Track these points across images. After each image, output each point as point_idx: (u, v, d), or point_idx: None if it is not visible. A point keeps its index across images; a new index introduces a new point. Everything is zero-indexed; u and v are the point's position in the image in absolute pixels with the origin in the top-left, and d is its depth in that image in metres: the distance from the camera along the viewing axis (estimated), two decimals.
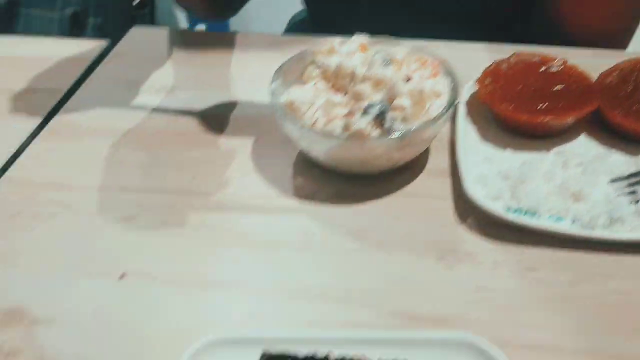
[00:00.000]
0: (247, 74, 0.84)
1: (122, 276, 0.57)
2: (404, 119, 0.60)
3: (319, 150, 0.62)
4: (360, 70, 0.62)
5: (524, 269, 0.56)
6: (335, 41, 0.66)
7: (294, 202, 0.64)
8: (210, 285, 0.56)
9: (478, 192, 0.59)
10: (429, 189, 0.64)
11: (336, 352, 0.45)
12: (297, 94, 0.63)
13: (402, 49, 0.66)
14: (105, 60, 0.87)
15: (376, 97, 0.61)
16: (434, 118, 0.61)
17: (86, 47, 0.91)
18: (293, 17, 1.23)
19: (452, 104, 0.62)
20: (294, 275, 0.57)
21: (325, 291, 0.55)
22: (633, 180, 0.61)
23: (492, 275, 0.55)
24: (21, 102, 0.80)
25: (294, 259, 0.58)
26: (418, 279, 0.56)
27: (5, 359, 0.51)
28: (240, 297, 0.55)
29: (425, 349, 0.47)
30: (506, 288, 0.54)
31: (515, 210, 0.58)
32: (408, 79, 0.62)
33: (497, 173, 0.63)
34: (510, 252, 0.57)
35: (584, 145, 0.67)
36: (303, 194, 0.65)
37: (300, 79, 0.66)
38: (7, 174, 0.69)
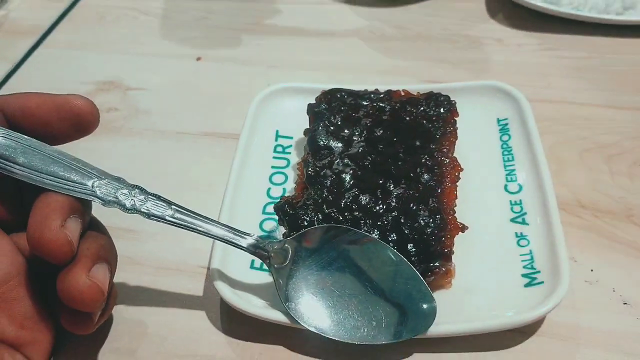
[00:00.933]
0: None
1: (198, 59, 0.67)
2: None
3: None
4: None
5: (545, 49, 0.64)
6: None
7: (342, 5, 0.73)
8: (271, 66, 0.65)
9: None
10: None
11: (381, 88, 0.54)
12: None
13: None
14: None
15: None
16: None
17: None
18: None
19: None
20: (343, 55, 0.66)
21: (372, 67, 0.64)
22: None
23: (517, 53, 0.64)
24: None
25: (343, 44, 0.68)
26: (453, 55, 0.65)
27: (107, 113, 0.62)
28: (298, 74, 0.64)
29: (458, 92, 0.55)
30: (528, 62, 0.63)
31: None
32: None
33: None
34: (534, 37, 0.66)
35: None
36: None
37: None
38: None
